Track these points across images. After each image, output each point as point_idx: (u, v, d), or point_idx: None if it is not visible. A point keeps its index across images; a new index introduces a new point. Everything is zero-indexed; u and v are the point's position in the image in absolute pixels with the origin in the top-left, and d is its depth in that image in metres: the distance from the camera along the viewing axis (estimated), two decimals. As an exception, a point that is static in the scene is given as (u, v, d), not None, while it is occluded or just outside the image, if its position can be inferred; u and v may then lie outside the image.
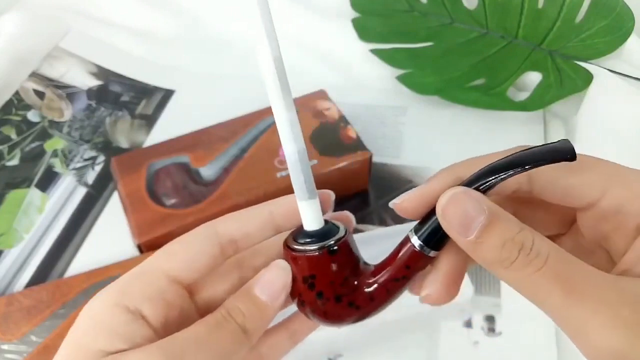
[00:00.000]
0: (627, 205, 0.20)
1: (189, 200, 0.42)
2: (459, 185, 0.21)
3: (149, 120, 0.56)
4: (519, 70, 0.54)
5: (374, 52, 0.58)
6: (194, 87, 0.59)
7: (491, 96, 0.54)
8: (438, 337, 0.39)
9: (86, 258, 0.44)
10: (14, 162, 0.52)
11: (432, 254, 0.22)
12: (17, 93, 0.58)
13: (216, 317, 0.23)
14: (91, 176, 0.51)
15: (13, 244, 0.45)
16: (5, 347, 0.36)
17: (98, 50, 0.62)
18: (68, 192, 0.49)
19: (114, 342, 0.21)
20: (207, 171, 0.44)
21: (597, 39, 0.53)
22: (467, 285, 0.40)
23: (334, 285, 0.23)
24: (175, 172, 0.44)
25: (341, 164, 0.44)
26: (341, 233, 0.24)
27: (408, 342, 0.39)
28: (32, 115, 0.56)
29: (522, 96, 0.54)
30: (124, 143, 0.54)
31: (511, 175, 0.20)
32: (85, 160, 0.52)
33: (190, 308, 0.25)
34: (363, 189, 0.48)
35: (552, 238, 0.21)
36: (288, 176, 0.44)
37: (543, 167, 0.20)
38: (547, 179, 0.21)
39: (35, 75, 0.59)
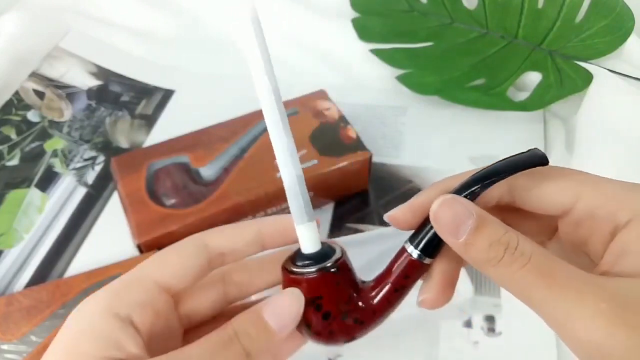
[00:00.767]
0: (600, 209, 0.22)
1: (189, 200, 0.42)
2: (451, 191, 0.23)
3: (149, 120, 0.56)
4: (519, 70, 0.54)
5: (374, 52, 0.58)
6: (194, 87, 0.59)
7: (491, 96, 0.54)
8: (438, 337, 0.39)
9: (86, 258, 0.44)
10: (14, 162, 0.52)
11: (427, 261, 0.23)
12: (17, 93, 0.58)
13: (222, 336, 0.23)
14: (91, 176, 0.51)
15: (13, 244, 0.45)
16: (5, 347, 0.36)
17: (98, 50, 0.62)
18: (68, 192, 0.49)
19: (105, 349, 0.21)
20: (207, 171, 0.44)
21: (597, 39, 0.53)
22: (467, 286, 0.40)
23: (340, 304, 0.24)
24: (175, 172, 0.44)
25: (341, 164, 0.44)
26: (339, 253, 0.25)
27: (408, 342, 0.39)
28: (32, 115, 0.56)
29: (522, 96, 0.54)
30: (124, 143, 0.54)
31: (494, 183, 0.22)
32: (85, 160, 0.52)
33: (174, 317, 0.25)
34: (363, 189, 0.48)
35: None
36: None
37: (520, 177, 0.23)
38: (525, 188, 0.24)
39: (35, 75, 0.59)
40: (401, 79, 0.56)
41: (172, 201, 0.42)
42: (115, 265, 0.41)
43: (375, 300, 0.24)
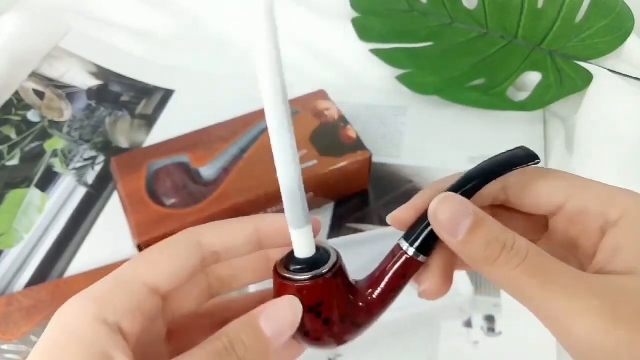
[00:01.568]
0: (590, 206, 0.23)
1: (189, 200, 0.42)
2: (446, 190, 0.23)
3: (149, 120, 0.56)
4: (518, 70, 0.54)
5: (374, 52, 0.58)
6: (194, 87, 0.59)
7: (491, 96, 0.54)
8: (438, 337, 0.39)
9: (86, 258, 0.44)
10: (14, 162, 0.52)
11: (422, 259, 0.23)
12: (17, 93, 0.58)
13: (217, 346, 0.22)
14: (91, 176, 0.51)
15: (13, 244, 0.45)
16: (5, 347, 0.36)
17: (98, 50, 0.62)
18: (68, 192, 0.49)
19: (90, 358, 0.20)
20: (207, 171, 0.44)
21: (597, 39, 0.53)
22: (467, 286, 0.40)
23: (339, 308, 0.24)
24: (175, 172, 0.44)
25: (341, 164, 0.44)
26: (334, 257, 0.24)
27: (408, 342, 0.39)
28: (32, 115, 0.56)
29: (522, 96, 0.54)
30: (124, 143, 0.54)
31: (490, 181, 0.23)
32: (85, 160, 0.52)
33: (160, 317, 0.24)
34: (363, 189, 0.48)
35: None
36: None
37: (514, 176, 0.24)
38: (518, 187, 0.24)
39: (35, 75, 0.59)
40: (401, 79, 0.56)
41: (172, 201, 0.42)
42: (115, 265, 0.41)
43: (372, 301, 0.24)
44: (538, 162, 0.23)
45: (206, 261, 0.24)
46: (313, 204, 0.46)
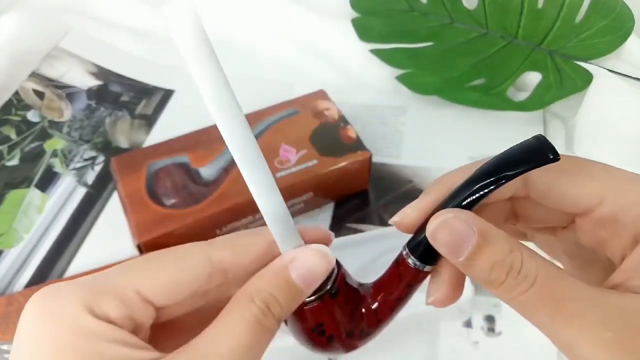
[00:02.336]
0: (624, 214, 0.20)
1: (189, 200, 0.42)
2: (450, 195, 0.21)
3: (149, 120, 0.56)
4: (518, 70, 0.54)
5: (374, 52, 0.58)
6: (194, 87, 0.58)
7: (491, 96, 0.54)
8: (438, 337, 0.39)
9: (86, 258, 0.44)
10: (14, 162, 0.52)
11: (429, 269, 0.22)
12: (16, 93, 0.58)
13: (254, 311, 0.20)
14: (91, 176, 0.50)
15: (13, 244, 0.45)
16: (5, 347, 0.36)
17: (98, 50, 0.62)
18: (68, 192, 0.49)
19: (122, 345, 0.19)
20: (207, 171, 0.44)
21: (597, 39, 0.53)
22: (467, 286, 0.40)
23: (343, 325, 0.23)
24: (175, 172, 0.44)
25: (341, 164, 0.44)
26: (335, 270, 0.23)
27: (408, 342, 0.39)
28: (31, 115, 0.56)
29: (522, 96, 0.54)
30: (123, 143, 0.54)
31: (500, 186, 0.20)
32: (85, 160, 0.52)
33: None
34: (363, 189, 0.48)
35: (553, 230, 0.21)
36: (288, 176, 0.44)
37: (536, 173, 0.21)
38: (542, 186, 0.22)
39: (35, 75, 0.59)
40: (401, 79, 0.56)
41: (172, 201, 0.42)
42: (114, 265, 0.41)
43: (378, 310, 0.23)
44: (557, 160, 0.20)
45: (213, 279, 0.22)
46: (313, 204, 0.46)
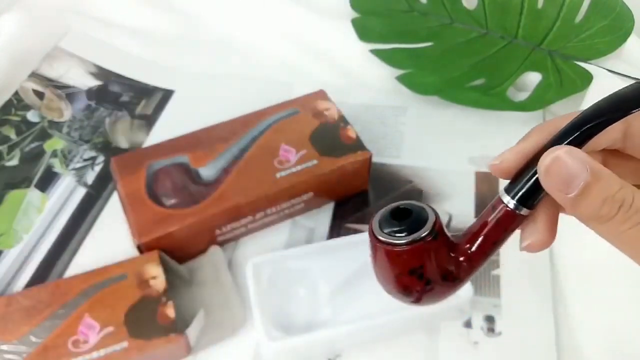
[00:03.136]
0: None
1: (189, 201, 0.42)
2: (557, 135, 0.21)
3: (149, 120, 0.56)
4: (518, 70, 0.54)
5: (374, 52, 0.58)
6: (194, 87, 0.59)
7: (491, 96, 0.54)
8: (438, 337, 0.39)
9: (86, 258, 0.44)
10: (14, 162, 0.52)
11: (526, 212, 0.22)
12: (16, 93, 0.58)
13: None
14: (91, 176, 0.50)
15: (12, 244, 0.45)
16: (4, 347, 0.36)
17: (98, 50, 0.62)
18: (68, 192, 0.49)
19: None
20: (207, 171, 0.44)
21: (597, 39, 0.53)
22: (467, 286, 0.40)
23: (440, 268, 0.23)
24: (174, 173, 0.44)
25: (341, 164, 0.44)
26: (432, 216, 0.23)
27: (408, 342, 0.39)
28: (31, 116, 0.56)
29: (522, 96, 0.54)
30: (123, 143, 0.54)
31: (607, 126, 0.20)
32: (85, 160, 0.52)
33: None
34: (363, 189, 0.48)
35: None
36: (288, 176, 0.44)
37: (638, 122, 0.21)
38: None
39: (34, 76, 0.59)
40: (401, 79, 0.56)
41: (172, 201, 0.42)
42: (115, 265, 0.41)
43: (472, 255, 0.23)
44: None
45: None
46: (313, 204, 0.46)
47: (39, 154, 0.52)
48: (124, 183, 0.43)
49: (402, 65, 0.57)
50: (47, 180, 0.50)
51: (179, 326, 0.37)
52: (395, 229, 0.23)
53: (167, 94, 0.58)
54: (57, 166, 0.51)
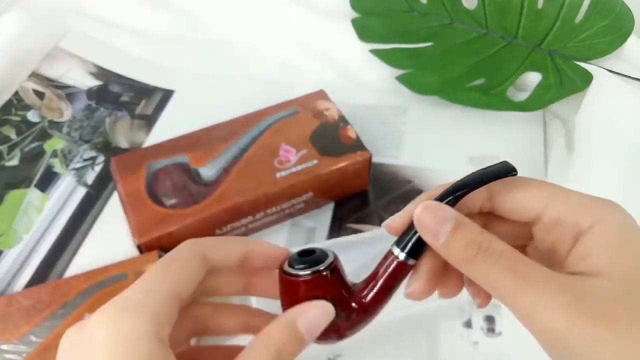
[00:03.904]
0: (566, 216, 0.24)
1: (189, 201, 0.42)
2: (435, 199, 0.25)
3: (149, 120, 0.56)
4: (518, 70, 0.54)
5: (374, 52, 0.58)
6: (194, 87, 0.59)
7: (491, 96, 0.54)
8: (438, 337, 0.39)
9: (86, 258, 0.44)
10: (14, 162, 0.52)
11: (412, 262, 0.25)
12: (16, 93, 0.58)
13: (268, 356, 0.23)
14: (91, 176, 0.50)
15: (13, 244, 0.45)
16: (4, 347, 0.36)
17: (98, 50, 0.62)
18: (68, 192, 0.49)
19: None
20: (207, 171, 0.44)
21: (597, 39, 0.53)
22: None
23: (335, 303, 0.26)
24: (174, 172, 0.44)
25: (341, 164, 0.44)
26: (331, 257, 0.27)
27: (408, 342, 0.39)
28: (31, 116, 0.56)
29: (522, 96, 0.54)
30: (123, 143, 0.54)
31: (469, 192, 0.25)
32: (85, 160, 0.52)
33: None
34: (363, 189, 0.48)
35: (518, 249, 0.24)
36: (288, 176, 0.44)
37: (497, 186, 0.26)
38: (501, 196, 0.26)
39: (35, 76, 0.59)
40: (401, 79, 0.56)
41: (172, 201, 0.42)
42: (115, 265, 0.41)
43: (367, 300, 0.26)
44: (515, 174, 0.25)
45: (207, 274, 0.26)
46: (313, 204, 0.46)
47: (39, 154, 0.52)
48: (124, 183, 0.43)
49: (402, 65, 0.57)
50: (47, 180, 0.50)
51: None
52: (300, 265, 0.26)
53: (167, 94, 0.58)
54: (57, 166, 0.51)
